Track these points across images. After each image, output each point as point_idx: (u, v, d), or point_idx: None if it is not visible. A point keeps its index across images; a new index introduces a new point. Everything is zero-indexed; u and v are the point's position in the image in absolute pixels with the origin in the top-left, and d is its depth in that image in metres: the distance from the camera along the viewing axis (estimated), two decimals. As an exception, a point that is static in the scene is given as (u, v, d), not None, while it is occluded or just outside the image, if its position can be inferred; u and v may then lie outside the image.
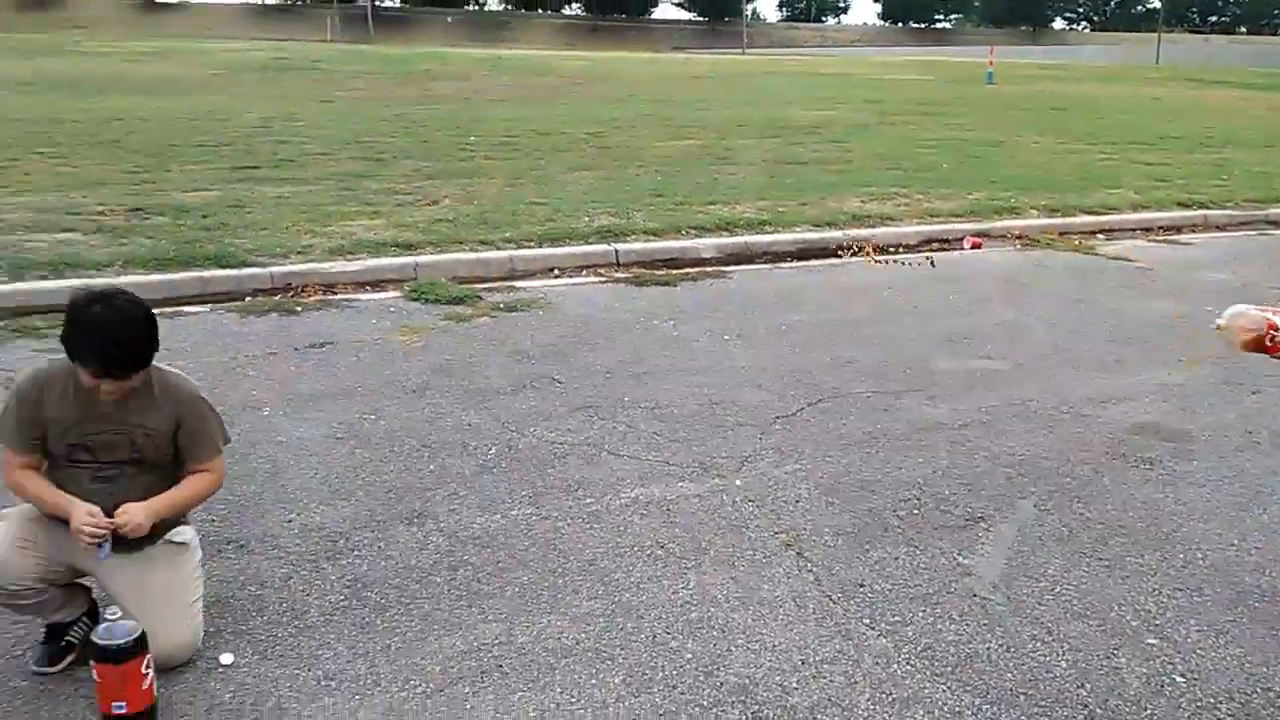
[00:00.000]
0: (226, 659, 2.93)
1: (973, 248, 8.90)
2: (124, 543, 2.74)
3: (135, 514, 2.73)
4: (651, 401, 5.03)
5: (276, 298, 6.68)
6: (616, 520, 3.82)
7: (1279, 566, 3.62)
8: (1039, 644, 3.14)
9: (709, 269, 7.92)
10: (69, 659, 2.87)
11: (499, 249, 7.87)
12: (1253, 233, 10.18)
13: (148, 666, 2.59)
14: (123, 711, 2.56)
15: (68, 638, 2.89)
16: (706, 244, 8.40)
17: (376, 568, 3.46)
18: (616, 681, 2.88)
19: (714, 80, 27.62)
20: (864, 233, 8.91)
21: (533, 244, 8.03)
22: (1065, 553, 3.69)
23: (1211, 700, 2.91)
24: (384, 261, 7.36)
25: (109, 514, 2.72)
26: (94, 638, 2.54)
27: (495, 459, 4.33)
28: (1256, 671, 3.03)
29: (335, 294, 6.88)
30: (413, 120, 15.70)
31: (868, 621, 3.22)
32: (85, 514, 2.68)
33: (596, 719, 2.72)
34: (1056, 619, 3.28)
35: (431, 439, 4.52)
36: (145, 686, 2.59)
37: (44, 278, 6.56)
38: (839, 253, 8.51)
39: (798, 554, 3.61)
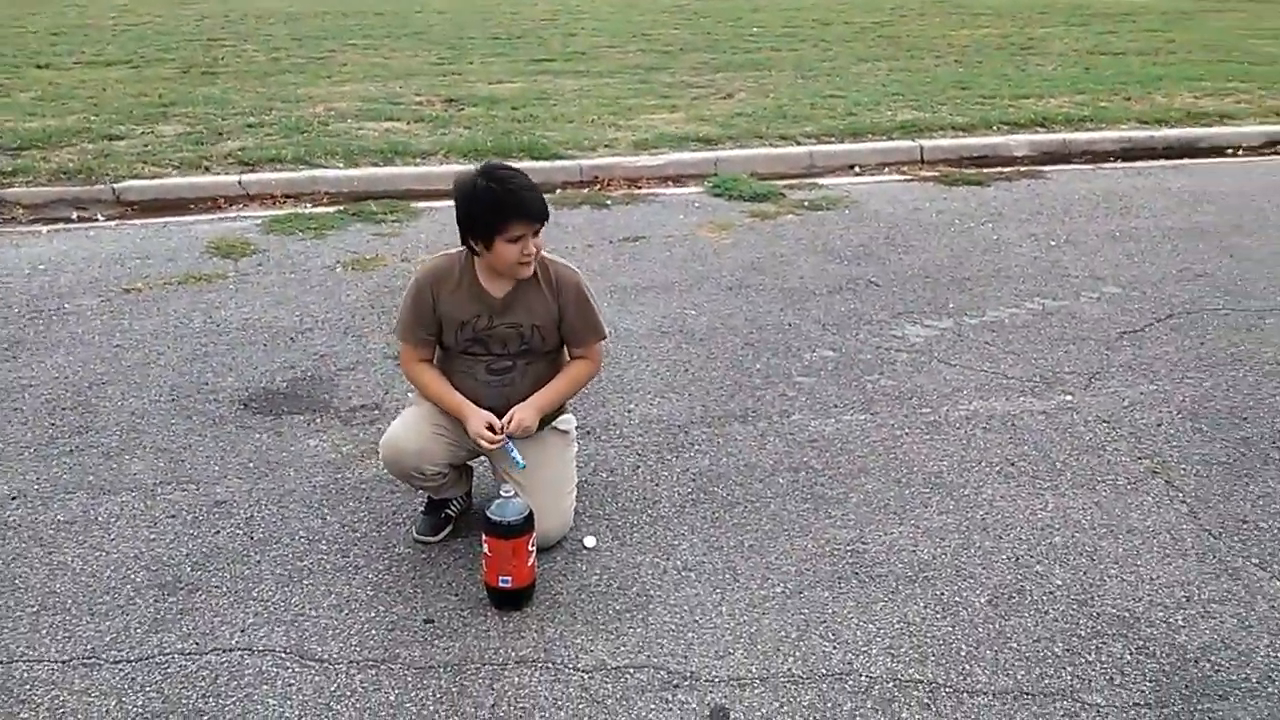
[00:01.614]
0: (589, 542, 3.03)
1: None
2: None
3: (526, 417, 2.82)
4: (978, 309, 4.78)
5: (585, 191, 6.81)
6: (958, 433, 3.67)
7: None
8: None
9: (1023, 168, 7.42)
10: (447, 530, 3.05)
11: (798, 144, 7.67)
12: None
13: (533, 545, 2.71)
14: (508, 585, 2.69)
15: (447, 511, 3.06)
16: (1019, 141, 7.87)
17: (718, 463, 3.48)
18: (982, 601, 2.77)
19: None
20: (1199, 131, 8.06)
21: (833, 139, 7.78)
22: None
23: None
24: (685, 156, 7.34)
25: (501, 410, 2.83)
26: (488, 514, 2.67)
27: (820, 361, 4.25)
28: None
29: (640, 188, 6.94)
30: (692, 11, 15.52)
31: (1256, 561, 2.93)
32: (482, 425, 2.79)
33: (966, 639, 2.63)
34: None
35: (753, 338, 4.48)
36: (529, 564, 2.71)
37: (375, 164, 6.98)
38: (1168, 153, 7.77)
39: (1166, 482, 3.34)
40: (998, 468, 3.44)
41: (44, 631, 2.66)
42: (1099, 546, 3.00)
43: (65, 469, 3.43)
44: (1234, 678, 2.50)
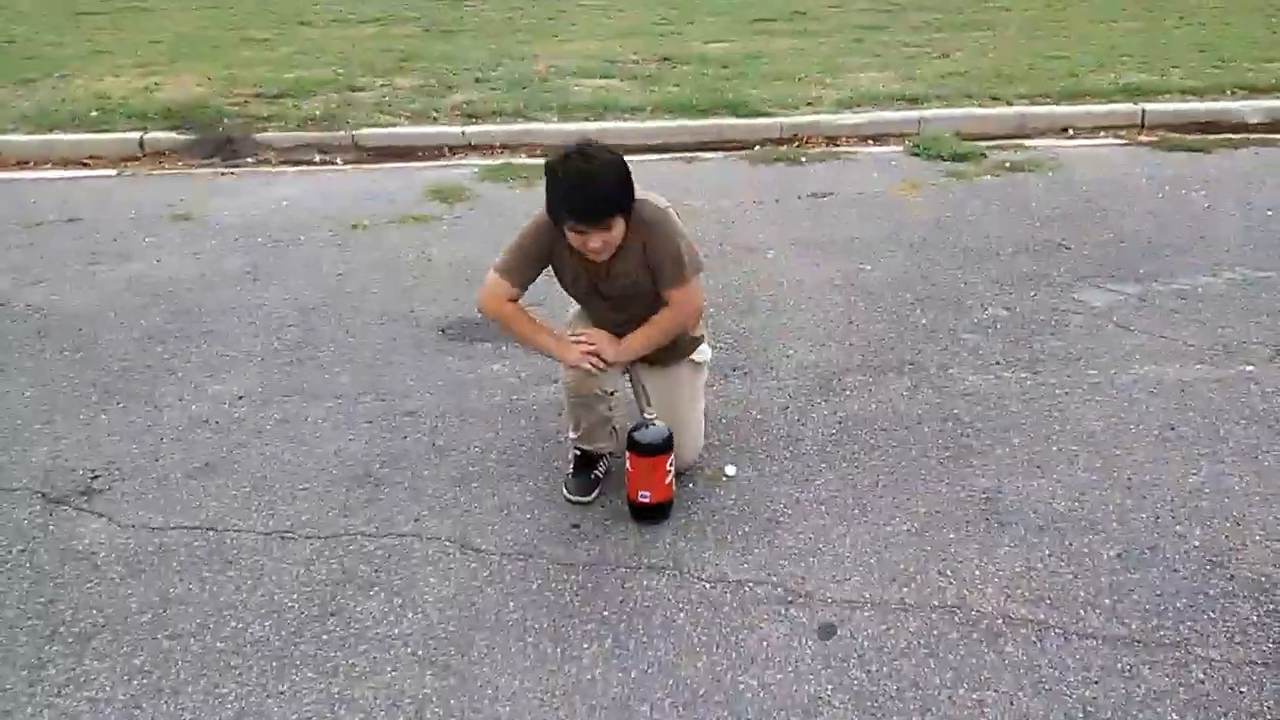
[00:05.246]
0: (730, 470, 3.23)
1: None
2: (658, 363, 3.07)
3: (604, 352, 2.89)
4: (1170, 276, 4.61)
5: (783, 148, 6.92)
6: (1121, 395, 3.62)
7: None
8: None
9: (1253, 136, 6.95)
10: (597, 492, 3.13)
11: (1009, 105, 7.48)
12: None
13: (670, 465, 2.94)
14: (647, 500, 2.94)
15: (596, 472, 3.17)
16: (1251, 107, 7.36)
17: (866, 409, 3.59)
18: (1111, 554, 2.79)
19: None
20: None
21: (1047, 100, 7.52)
22: None
23: None
24: (887, 115, 7.31)
25: (619, 330, 2.97)
26: (632, 434, 2.91)
27: (990, 319, 4.25)
28: None
29: (838, 145, 6.98)
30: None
31: None
32: (578, 354, 2.88)
33: (1086, 587, 2.67)
34: None
35: (924, 293, 4.52)
36: (667, 481, 2.94)
37: (586, 119, 7.32)
38: None
39: (1338, 458, 3.21)
40: (1155, 431, 3.38)
41: (252, 509, 3.12)
42: (1247, 513, 2.94)
43: (285, 376, 3.93)
44: (1366, 651, 2.44)
